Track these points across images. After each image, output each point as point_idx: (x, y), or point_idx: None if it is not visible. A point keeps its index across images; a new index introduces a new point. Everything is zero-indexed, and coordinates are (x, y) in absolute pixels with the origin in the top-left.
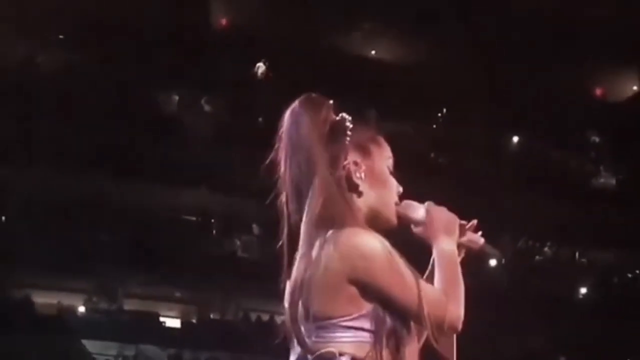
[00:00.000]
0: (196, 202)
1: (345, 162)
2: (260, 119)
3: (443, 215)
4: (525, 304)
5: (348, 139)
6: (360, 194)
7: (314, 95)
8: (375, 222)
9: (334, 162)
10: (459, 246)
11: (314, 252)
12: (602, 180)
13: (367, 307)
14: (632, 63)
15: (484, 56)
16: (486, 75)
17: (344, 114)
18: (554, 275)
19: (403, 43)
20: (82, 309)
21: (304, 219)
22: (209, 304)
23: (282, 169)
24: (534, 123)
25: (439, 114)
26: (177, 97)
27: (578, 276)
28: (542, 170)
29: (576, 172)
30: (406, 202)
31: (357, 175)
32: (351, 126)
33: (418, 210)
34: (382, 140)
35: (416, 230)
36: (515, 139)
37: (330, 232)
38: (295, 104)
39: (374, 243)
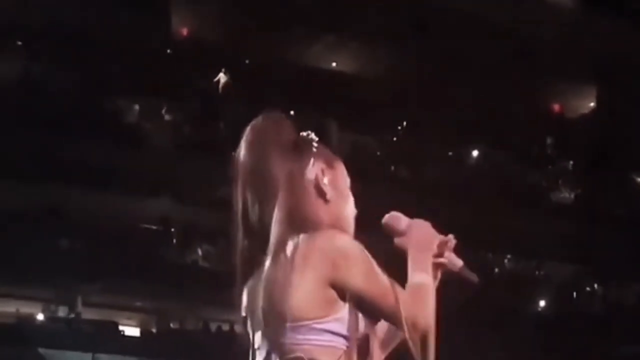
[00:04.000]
0: (157, 211)
1: (314, 171)
2: (221, 129)
3: (423, 231)
4: (483, 316)
5: (315, 150)
6: (327, 201)
7: (275, 112)
8: None
9: (301, 170)
10: (438, 265)
11: (288, 253)
12: (560, 195)
13: (342, 310)
14: (589, 80)
15: (444, 71)
16: (447, 90)
17: (309, 131)
18: (513, 288)
19: (364, 55)
20: (40, 317)
21: (274, 219)
22: (168, 313)
23: (243, 183)
24: (493, 137)
25: (399, 127)
26: (137, 107)
27: (536, 290)
28: (501, 184)
29: (535, 187)
30: (394, 213)
31: (325, 182)
32: (317, 139)
33: (402, 223)
34: (340, 160)
35: (397, 241)
36: (475, 152)
37: (302, 234)
38: (258, 121)
39: (353, 245)
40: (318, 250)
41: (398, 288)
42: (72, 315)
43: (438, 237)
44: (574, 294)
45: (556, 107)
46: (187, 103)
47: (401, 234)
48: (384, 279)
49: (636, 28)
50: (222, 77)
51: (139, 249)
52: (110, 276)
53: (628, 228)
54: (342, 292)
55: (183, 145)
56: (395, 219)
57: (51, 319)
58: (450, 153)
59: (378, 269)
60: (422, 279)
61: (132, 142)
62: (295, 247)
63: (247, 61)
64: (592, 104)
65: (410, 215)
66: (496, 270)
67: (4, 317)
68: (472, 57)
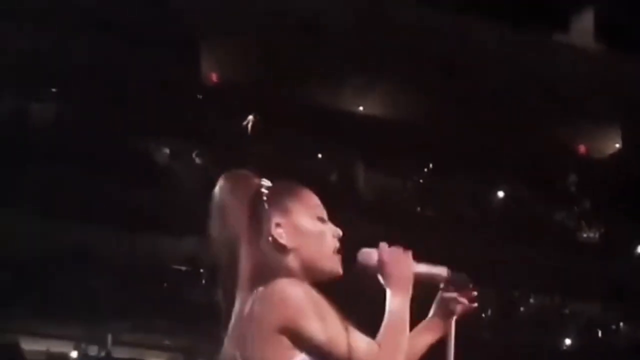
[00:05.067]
0: (186, 252)
1: (267, 227)
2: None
3: (394, 257)
4: (509, 354)
5: (266, 205)
6: (288, 252)
7: (237, 172)
8: (314, 275)
9: (258, 230)
10: (448, 301)
11: (246, 309)
12: (585, 234)
13: (300, 356)
14: (615, 121)
15: (470, 113)
16: (472, 132)
17: (262, 181)
18: (538, 326)
19: (390, 99)
20: (71, 356)
21: (239, 280)
22: (196, 351)
23: (214, 246)
24: (518, 178)
25: (425, 169)
26: (168, 151)
27: (562, 327)
28: (526, 224)
29: (560, 226)
30: (362, 250)
31: (282, 236)
32: (267, 192)
33: (373, 256)
34: (303, 192)
35: (380, 278)
36: (501, 193)
37: (260, 288)
38: (220, 184)
39: (297, 292)
40: (266, 301)
41: (353, 334)
42: (103, 354)
43: (410, 259)
44: (600, 331)
45: (582, 148)
46: (217, 146)
47: (375, 269)
48: (334, 325)
49: None
50: (251, 121)
51: (169, 289)
52: (140, 315)
53: None
54: (294, 339)
55: (212, 188)
56: (366, 254)
57: (82, 357)
58: (475, 194)
59: (329, 315)
60: (400, 296)
61: (163, 185)
62: (253, 302)
63: (274, 105)
64: (617, 145)
65: (436, 256)
66: (522, 308)
67: (35, 356)
68: (497, 99)
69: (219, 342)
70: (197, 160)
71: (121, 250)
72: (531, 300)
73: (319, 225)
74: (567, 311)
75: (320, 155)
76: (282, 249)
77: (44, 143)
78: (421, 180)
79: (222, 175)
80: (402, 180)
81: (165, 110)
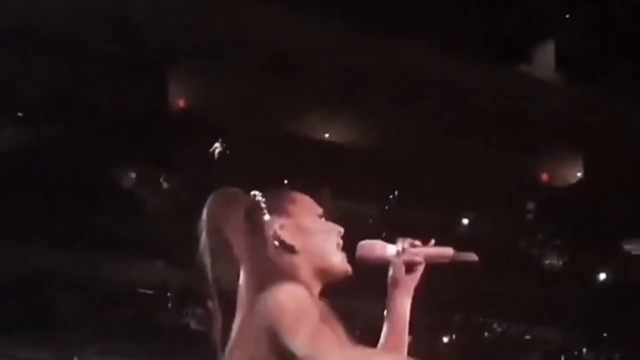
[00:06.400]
0: (153, 276)
1: (271, 231)
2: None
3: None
4: None
5: (266, 212)
6: (296, 253)
7: (227, 189)
8: (323, 276)
9: (261, 239)
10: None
11: (248, 311)
12: (548, 261)
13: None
14: (577, 150)
15: (435, 142)
16: (437, 160)
17: (253, 192)
18: (502, 352)
19: (356, 127)
20: None
21: (244, 289)
22: None
23: (210, 267)
24: (481, 206)
25: (391, 196)
26: (134, 175)
27: (525, 353)
28: (490, 251)
29: (523, 254)
30: (362, 243)
31: (288, 237)
32: (264, 200)
33: (375, 248)
34: (299, 197)
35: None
36: (465, 221)
37: (265, 291)
38: (212, 202)
39: (290, 297)
40: (264, 304)
41: (353, 353)
42: None
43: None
44: (562, 357)
45: (544, 176)
46: (184, 172)
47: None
48: (327, 342)
49: (622, 99)
50: (218, 147)
51: (135, 312)
52: (106, 339)
53: (614, 293)
54: (273, 348)
55: (180, 212)
56: (372, 247)
57: None
58: (440, 221)
59: (324, 331)
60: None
61: (130, 209)
62: (252, 303)
63: (242, 132)
64: (579, 174)
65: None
66: (485, 334)
67: None
68: (461, 129)
69: None
70: (165, 185)
71: (87, 274)
72: (495, 326)
73: (322, 223)
74: (530, 337)
75: (286, 181)
76: (291, 249)
77: (8, 167)
78: (386, 207)
79: (213, 194)
80: (367, 207)
81: (132, 135)
